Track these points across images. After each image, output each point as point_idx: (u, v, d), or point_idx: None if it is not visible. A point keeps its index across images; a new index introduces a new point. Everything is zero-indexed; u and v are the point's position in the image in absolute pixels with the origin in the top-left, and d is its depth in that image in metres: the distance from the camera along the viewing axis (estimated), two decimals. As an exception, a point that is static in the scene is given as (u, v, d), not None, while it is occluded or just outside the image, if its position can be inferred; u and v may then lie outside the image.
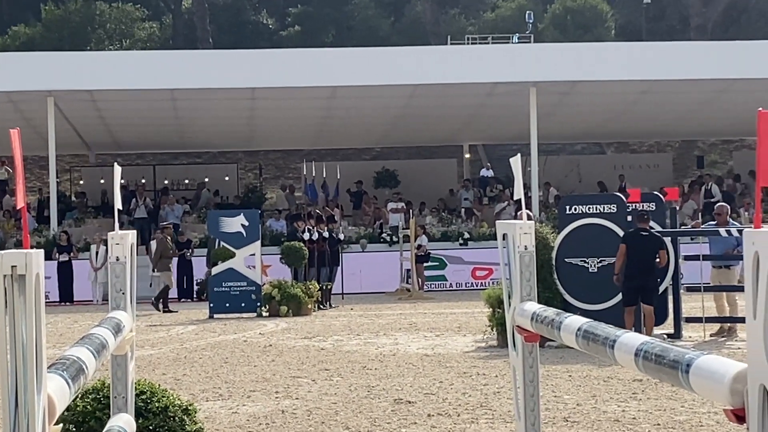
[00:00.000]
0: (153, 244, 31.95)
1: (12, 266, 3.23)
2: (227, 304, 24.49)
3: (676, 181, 42.44)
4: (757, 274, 3.39)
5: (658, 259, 16.35)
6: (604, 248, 16.53)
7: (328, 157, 44.28)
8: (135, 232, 7.19)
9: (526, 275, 7.00)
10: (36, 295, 3.30)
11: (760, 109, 3.89)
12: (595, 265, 16.90)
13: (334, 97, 34.04)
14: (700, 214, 34.11)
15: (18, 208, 4.25)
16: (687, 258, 18.04)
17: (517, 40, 45.80)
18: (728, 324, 17.65)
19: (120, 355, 6.30)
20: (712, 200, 36.10)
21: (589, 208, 17.08)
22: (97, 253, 31.17)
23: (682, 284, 18.01)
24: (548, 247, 16.70)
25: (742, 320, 13.50)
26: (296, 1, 66.16)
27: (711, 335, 17.51)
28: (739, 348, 15.48)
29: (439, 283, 32.81)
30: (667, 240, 17.21)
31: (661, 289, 17.29)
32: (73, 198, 40.97)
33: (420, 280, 30.71)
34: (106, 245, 30.50)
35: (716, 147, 52.24)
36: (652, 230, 16.46)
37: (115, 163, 7.14)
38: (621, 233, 16.63)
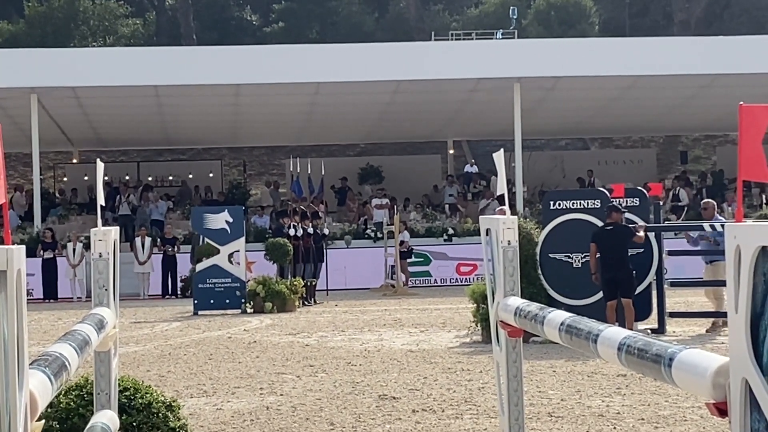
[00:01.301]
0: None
1: (-7, 262, 3.21)
2: (212, 301, 24.41)
3: (660, 176, 42.54)
4: (739, 267, 3.39)
5: (640, 250, 16.34)
6: (588, 244, 16.54)
7: (313, 154, 44.23)
8: (118, 228, 7.21)
9: (510, 270, 7.01)
10: (17, 292, 3.29)
11: (742, 103, 3.90)
12: (579, 261, 16.93)
13: (319, 93, 34.00)
14: (684, 210, 34.32)
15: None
16: (671, 253, 18.05)
17: (500, 36, 45.85)
18: (722, 319, 17.53)
19: (103, 352, 6.29)
20: (680, 204, 36.28)
21: (573, 203, 17.12)
22: (74, 250, 31.09)
23: (666, 279, 18.03)
24: (532, 243, 16.72)
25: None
26: (280, -3, 66.13)
27: (707, 331, 17.38)
28: (722, 343, 15.51)
29: (424, 278, 32.82)
30: (651, 235, 17.25)
31: (645, 284, 17.30)
32: (57, 195, 40.87)
33: (404, 276, 30.72)
34: (82, 242, 30.50)
35: (700, 142, 52.37)
36: (618, 222, 16.44)
37: (98, 160, 7.13)
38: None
